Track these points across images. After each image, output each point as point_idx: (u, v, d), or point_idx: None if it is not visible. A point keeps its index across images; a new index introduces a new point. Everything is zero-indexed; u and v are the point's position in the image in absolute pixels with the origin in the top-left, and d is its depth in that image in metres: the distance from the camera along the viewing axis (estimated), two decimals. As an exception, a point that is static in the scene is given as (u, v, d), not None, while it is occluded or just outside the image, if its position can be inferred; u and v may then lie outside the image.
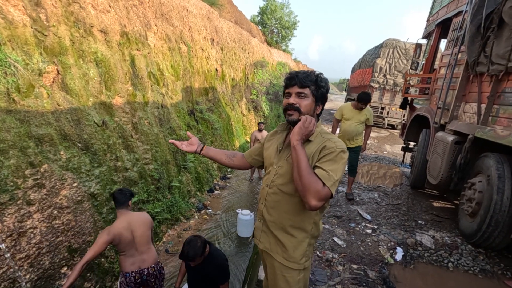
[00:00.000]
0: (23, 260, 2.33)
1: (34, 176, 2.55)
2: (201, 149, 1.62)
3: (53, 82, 3.04)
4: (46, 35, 3.01)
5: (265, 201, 1.42)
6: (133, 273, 2.24)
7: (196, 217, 4.87)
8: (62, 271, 2.64)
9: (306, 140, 1.29)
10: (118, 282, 2.32)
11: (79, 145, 3.16)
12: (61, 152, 2.91)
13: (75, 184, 2.96)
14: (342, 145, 1.27)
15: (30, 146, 2.58)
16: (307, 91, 1.29)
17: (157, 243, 4.04)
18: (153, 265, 2.30)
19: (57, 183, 2.76)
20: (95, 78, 3.57)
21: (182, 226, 4.53)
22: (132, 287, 2.25)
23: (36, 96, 2.77)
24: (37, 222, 2.51)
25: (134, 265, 2.25)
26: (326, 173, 1.18)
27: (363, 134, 4.52)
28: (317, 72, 1.34)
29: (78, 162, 3.08)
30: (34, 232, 2.47)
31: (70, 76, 3.20)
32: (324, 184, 1.15)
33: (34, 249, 2.44)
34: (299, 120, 1.29)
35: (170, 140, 1.61)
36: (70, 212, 2.83)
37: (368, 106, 4.29)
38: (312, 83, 1.29)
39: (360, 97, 4.17)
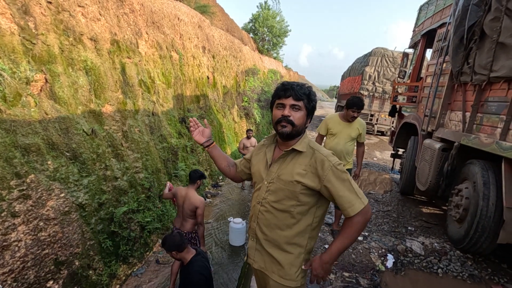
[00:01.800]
0: (6, 274, 2.25)
1: (20, 187, 2.49)
2: (208, 145, 1.59)
3: (41, 90, 2.99)
4: (34, 43, 2.97)
5: (257, 219, 1.38)
6: (175, 227, 3.01)
7: (187, 226, 4.81)
8: (48, 285, 2.56)
9: (294, 150, 1.29)
10: None
11: (67, 154, 3.10)
12: (49, 162, 2.85)
13: (62, 195, 2.89)
14: (334, 158, 1.26)
15: (16, 156, 2.52)
16: (301, 103, 1.27)
17: (147, 253, 3.97)
18: (185, 232, 2.94)
19: (44, 194, 2.70)
20: (85, 86, 3.53)
21: (173, 235, 4.47)
22: None
23: (23, 105, 2.72)
24: (22, 235, 2.44)
25: (178, 223, 2.99)
26: (350, 199, 1.19)
27: (354, 154, 3.55)
28: (307, 85, 1.32)
29: (66, 171, 3.02)
30: (19, 245, 2.39)
31: (59, 84, 3.16)
32: (357, 211, 1.18)
33: (18, 263, 2.36)
34: (291, 133, 1.27)
35: (190, 119, 1.57)
36: (57, 224, 2.76)
37: (358, 118, 3.31)
38: (306, 96, 1.27)
39: (351, 102, 3.13)
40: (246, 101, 11.54)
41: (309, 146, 1.31)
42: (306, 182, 1.24)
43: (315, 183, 1.24)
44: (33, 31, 2.99)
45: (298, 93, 1.25)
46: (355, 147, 3.48)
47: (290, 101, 1.26)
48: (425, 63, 5.53)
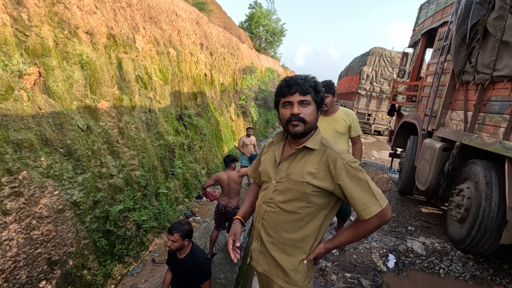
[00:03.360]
0: (-3, 275, 2.16)
1: (12, 184, 2.40)
2: (243, 223, 1.48)
3: (34, 84, 2.89)
4: (27, 36, 2.87)
5: (262, 220, 1.29)
6: (221, 205, 3.49)
7: (184, 225, 4.74)
8: (41, 285, 2.48)
9: (305, 148, 1.21)
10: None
11: (62, 150, 3.00)
12: (42, 158, 2.75)
13: (56, 192, 2.80)
14: (348, 155, 1.17)
15: (7, 152, 2.43)
16: (309, 98, 1.18)
17: (143, 252, 3.89)
18: (233, 207, 3.46)
19: (37, 191, 2.61)
20: (80, 81, 3.43)
21: (169, 234, 4.40)
22: (218, 213, 3.53)
23: (15, 99, 2.62)
24: (14, 233, 2.35)
25: (224, 201, 3.48)
26: (365, 201, 1.09)
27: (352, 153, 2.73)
28: (310, 76, 1.23)
29: (60, 168, 2.93)
30: (10, 244, 2.31)
31: (53, 78, 3.06)
32: (376, 212, 1.09)
33: (10, 262, 2.27)
34: (305, 131, 1.19)
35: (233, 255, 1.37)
36: (51, 222, 2.67)
37: (340, 107, 2.69)
38: (312, 89, 1.18)
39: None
40: (243, 99, 11.47)
41: (321, 143, 1.23)
42: (317, 183, 1.16)
43: (328, 183, 1.16)
44: (27, 22, 2.89)
45: (303, 87, 1.16)
46: (350, 145, 2.79)
47: (297, 97, 1.16)
48: (424, 63, 5.51)
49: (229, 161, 3.53)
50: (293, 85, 1.17)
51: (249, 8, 22.26)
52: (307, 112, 1.18)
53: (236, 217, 1.50)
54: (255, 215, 1.38)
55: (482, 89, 3.08)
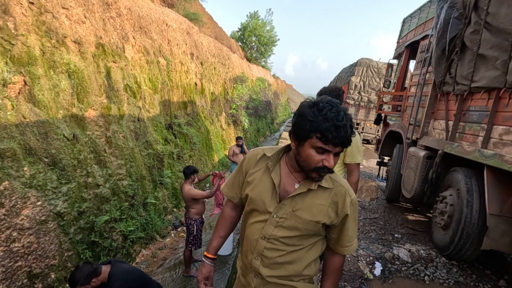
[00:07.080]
0: (-27, 289, 2.08)
1: (-8, 194, 2.34)
2: (213, 258, 1.31)
3: (19, 93, 2.86)
4: (13, 44, 2.85)
5: (262, 257, 1.14)
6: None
7: (173, 235, 4.67)
8: (20, 300, 2.39)
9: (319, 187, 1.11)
10: None
11: (46, 160, 2.95)
12: (25, 168, 2.70)
13: (39, 203, 2.74)
14: (353, 192, 1.15)
15: (-11, 161, 2.38)
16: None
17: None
18: (187, 217, 3.32)
19: (19, 202, 2.55)
20: (67, 90, 3.40)
21: (157, 244, 4.32)
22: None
23: (-2, 108, 2.58)
24: (-7, 246, 2.28)
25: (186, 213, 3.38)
26: (351, 239, 1.15)
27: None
28: (350, 115, 1.02)
29: (44, 178, 2.87)
30: (-11, 257, 2.24)
31: (39, 87, 3.04)
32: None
33: (-13, 276, 2.20)
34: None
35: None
36: (32, 234, 2.61)
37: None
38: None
39: (318, 92, 2.17)
40: (234, 109, 11.52)
41: (329, 178, 1.12)
42: (326, 220, 1.10)
43: (333, 219, 1.11)
44: (13, 31, 2.87)
45: (350, 139, 0.98)
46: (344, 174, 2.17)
47: (337, 149, 0.99)
48: (408, 74, 5.69)
49: (188, 172, 3.27)
50: (342, 136, 0.95)
51: (247, 17, 22.66)
52: (336, 161, 1.03)
53: (209, 255, 1.30)
54: (246, 247, 1.20)
55: (461, 99, 3.20)
